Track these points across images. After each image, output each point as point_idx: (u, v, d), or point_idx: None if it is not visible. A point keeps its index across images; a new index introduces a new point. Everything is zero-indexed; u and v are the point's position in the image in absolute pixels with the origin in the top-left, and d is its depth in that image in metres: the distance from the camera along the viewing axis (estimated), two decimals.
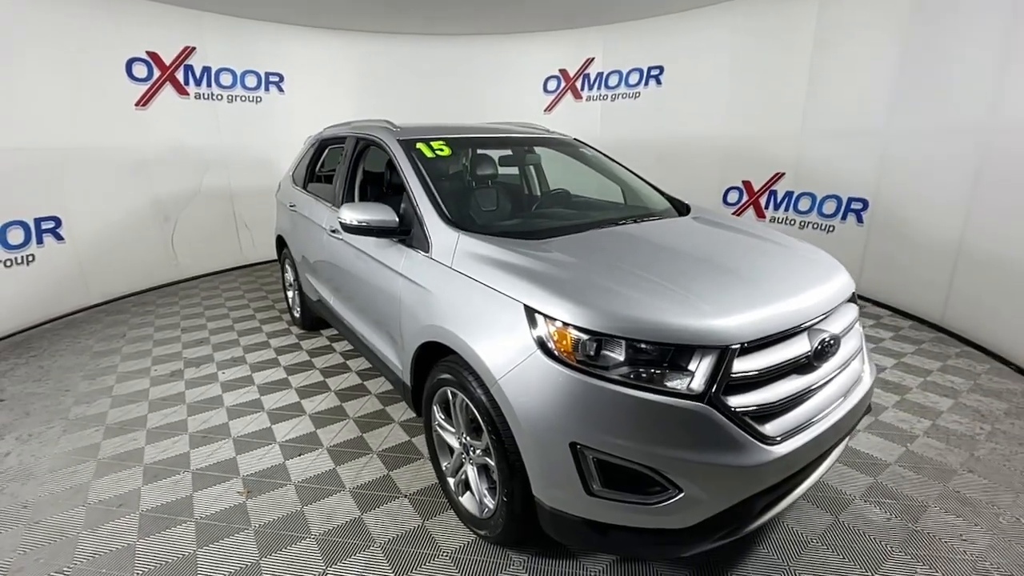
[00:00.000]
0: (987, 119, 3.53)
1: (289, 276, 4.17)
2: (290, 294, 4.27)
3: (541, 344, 1.53)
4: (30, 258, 4.27)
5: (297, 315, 4.15)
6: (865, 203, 4.60)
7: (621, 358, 1.46)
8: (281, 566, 1.85)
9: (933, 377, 3.20)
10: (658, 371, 1.44)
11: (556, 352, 1.50)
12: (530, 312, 1.58)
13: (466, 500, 1.99)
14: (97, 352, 3.84)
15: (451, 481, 2.06)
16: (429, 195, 2.21)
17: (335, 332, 4.00)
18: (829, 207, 4.93)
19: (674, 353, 1.45)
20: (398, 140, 2.55)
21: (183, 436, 2.71)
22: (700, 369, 1.43)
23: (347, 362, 3.55)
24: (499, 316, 1.66)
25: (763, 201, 5.58)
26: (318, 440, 2.64)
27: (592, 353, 1.47)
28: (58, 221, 4.47)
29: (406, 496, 2.21)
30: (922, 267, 4.10)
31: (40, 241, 4.35)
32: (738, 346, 1.45)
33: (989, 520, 2.02)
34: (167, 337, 4.10)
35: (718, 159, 5.87)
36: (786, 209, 5.37)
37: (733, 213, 5.77)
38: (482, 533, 1.91)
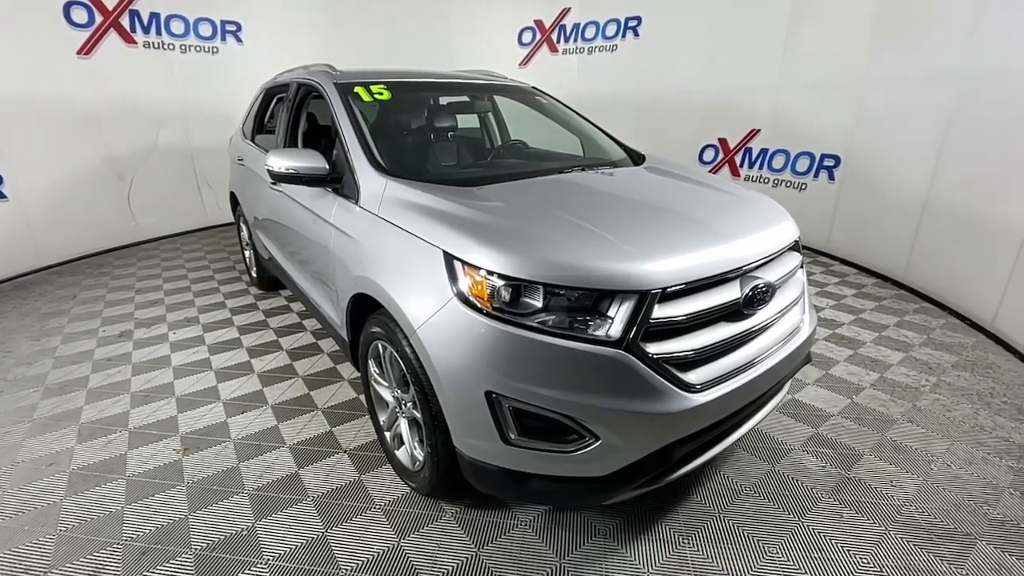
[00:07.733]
0: (962, 66, 3.42)
1: (245, 234, 4.03)
2: (247, 253, 4.14)
3: (458, 291, 1.46)
4: None
5: (255, 275, 4.04)
6: (837, 160, 4.52)
7: (539, 304, 1.40)
8: (209, 520, 1.83)
9: (888, 332, 3.21)
10: (576, 317, 1.38)
11: (472, 299, 1.43)
12: (448, 258, 1.50)
13: (401, 454, 1.96)
14: (45, 314, 3.71)
15: (387, 435, 2.03)
16: (361, 140, 2.09)
17: None
18: (802, 164, 4.84)
19: (594, 298, 1.39)
20: (335, 84, 2.39)
21: (125, 396, 2.64)
22: (619, 315, 1.37)
23: (303, 322, 3.47)
24: (419, 264, 1.58)
25: (738, 159, 5.47)
26: (263, 398, 2.59)
27: (508, 300, 1.40)
28: None
29: (346, 451, 2.18)
30: (888, 224, 4.07)
31: None
32: (658, 291, 1.39)
33: (921, 467, 2.04)
34: (120, 298, 3.97)
35: (695, 115, 5.70)
36: (760, 167, 5.27)
37: (708, 172, 5.66)
38: (413, 485, 1.90)
